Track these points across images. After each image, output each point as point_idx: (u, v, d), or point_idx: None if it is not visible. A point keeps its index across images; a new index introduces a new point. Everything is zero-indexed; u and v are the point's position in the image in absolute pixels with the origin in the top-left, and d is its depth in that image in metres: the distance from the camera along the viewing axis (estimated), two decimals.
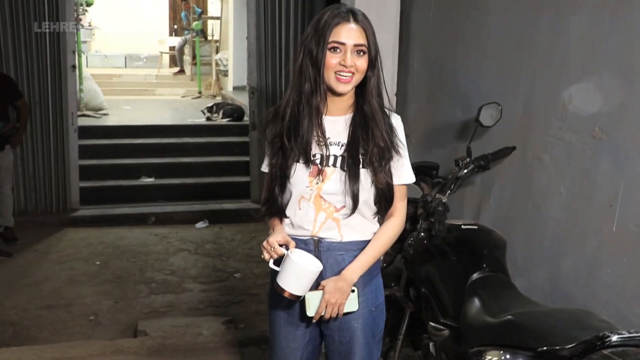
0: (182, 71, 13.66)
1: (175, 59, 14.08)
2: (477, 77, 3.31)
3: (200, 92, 11.66)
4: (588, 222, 2.49)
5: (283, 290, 1.79)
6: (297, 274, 1.78)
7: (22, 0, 5.85)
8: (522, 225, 2.88)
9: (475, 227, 2.47)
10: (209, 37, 12.96)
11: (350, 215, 1.86)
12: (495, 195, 3.09)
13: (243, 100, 9.02)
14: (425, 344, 2.47)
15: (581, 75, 2.55)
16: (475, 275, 2.25)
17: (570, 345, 1.60)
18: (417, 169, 2.67)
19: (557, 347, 1.65)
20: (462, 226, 2.44)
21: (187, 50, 13.47)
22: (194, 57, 12.58)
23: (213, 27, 13.14)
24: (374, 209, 1.90)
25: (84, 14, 10.20)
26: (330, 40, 1.78)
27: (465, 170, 2.58)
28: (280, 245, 1.84)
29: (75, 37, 6.57)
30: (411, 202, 2.57)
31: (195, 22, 12.59)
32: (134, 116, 9.16)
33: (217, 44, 12.93)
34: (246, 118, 8.14)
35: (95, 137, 7.60)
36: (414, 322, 2.64)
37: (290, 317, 1.97)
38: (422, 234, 2.47)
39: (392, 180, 1.89)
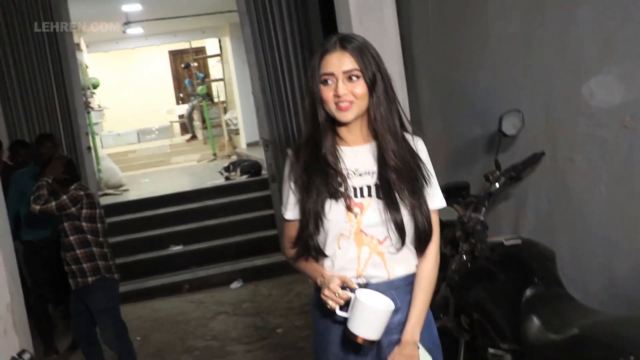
0: (194, 137, 13.75)
1: (186, 126, 14.21)
2: (489, 89, 3.22)
3: (215, 154, 11.70)
4: (638, 217, 2.34)
5: (355, 337, 1.65)
6: (370, 317, 1.64)
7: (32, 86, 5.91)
8: (565, 233, 2.73)
9: (519, 241, 2.32)
10: (215, 100, 13.05)
11: (399, 246, 1.75)
12: (531, 206, 2.94)
13: (258, 155, 9.01)
14: None
15: (599, 66, 2.43)
16: (528, 292, 2.10)
17: None
18: (447, 190, 2.56)
19: None
20: (505, 242, 2.30)
21: (196, 115, 13.58)
22: (203, 121, 12.67)
23: (218, 89, 13.25)
24: (413, 238, 1.78)
25: (92, 96, 10.34)
26: (320, 73, 1.74)
27: (497, 184, 2.47)
28: (343, 288, 1.70)
29: (86, 119, 6.62)
30: (448, 225, 2.45)
31: (200, 87, 12.71)
32: (154, 188, 9.17)
33: (224, 105, 13.05)
34: (264, 172, 8.10)
35: (119, 214, 7.60)
36: (471, 352, 2.49)
37: None
38: (465, 257, 2.34)
39: (428, 207, 1.78)
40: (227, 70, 12.42)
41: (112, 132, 15.03)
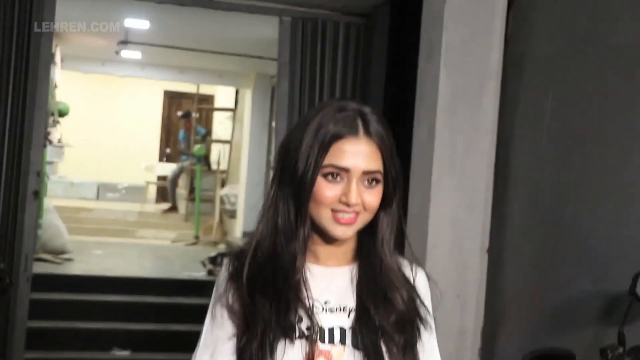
0: (174, 208, 13.77)
1: (166, 193, 14.24)
2: (615, 234, 3.21)
3: (197, 237, 11.69)
4: None
5: None
6: None
7: None
8: None
9: None
10: (213, 166, 13.14)
11: None
12: None
13: None
14: None
15: None
16: None
17: None
18: (544, 358, 2.51)
19: None
20: None
21: (182, 181, 13.66)
22: (191, 191, 12.73)
23: (220, 154, 13.33)
24: None
25: (55, 126, 10.38)
26: (326, 162, 1.56)
27: None
28: None
29: (42, 155, 6.61)
30: None
31: (198, 146, 12.81)
32: (107, 264, 9.12)
33: (224, 176, 13.12)
34: None
35: (53, 290, 7.50)
36: None
37: None
38: None
39: None
40: (239, 131, 12.55)
41: (64, 178, 15.06)
